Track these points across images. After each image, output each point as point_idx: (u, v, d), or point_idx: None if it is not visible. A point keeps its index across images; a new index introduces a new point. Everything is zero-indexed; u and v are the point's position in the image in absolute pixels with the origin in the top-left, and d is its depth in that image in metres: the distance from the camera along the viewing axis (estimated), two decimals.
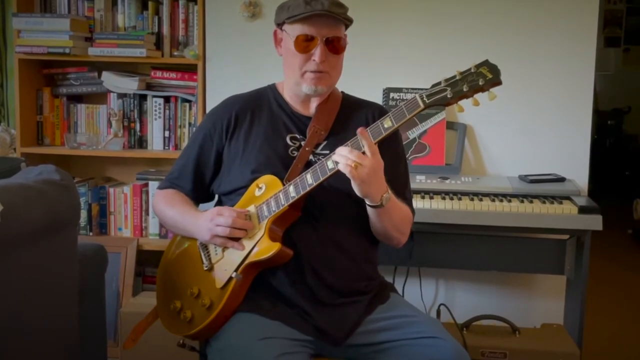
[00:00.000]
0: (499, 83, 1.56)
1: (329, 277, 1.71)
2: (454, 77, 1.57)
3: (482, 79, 1.55)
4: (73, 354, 1.85)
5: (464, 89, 1.56)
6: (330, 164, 1.62)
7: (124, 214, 3.11)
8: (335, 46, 1.74)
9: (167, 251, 1.94)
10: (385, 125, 1.60)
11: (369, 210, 1.69)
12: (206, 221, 1.73)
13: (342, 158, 1.58)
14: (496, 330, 2.55)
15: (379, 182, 1.62)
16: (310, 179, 1.64)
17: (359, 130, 1.60)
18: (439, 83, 1.59)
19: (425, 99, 1.58)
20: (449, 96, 1.57)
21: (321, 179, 1.63)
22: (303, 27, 1.72)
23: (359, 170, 1.56)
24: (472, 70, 1.56)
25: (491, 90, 1.57)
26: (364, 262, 1.80)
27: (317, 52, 1.72)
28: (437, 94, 1.58)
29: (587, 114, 2.85)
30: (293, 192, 1.66)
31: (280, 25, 1.80)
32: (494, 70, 1.56)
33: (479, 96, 1.59)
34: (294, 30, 1.74)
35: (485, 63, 1.57)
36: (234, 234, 1.70)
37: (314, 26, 1.71)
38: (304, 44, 1.73)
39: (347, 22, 1.76)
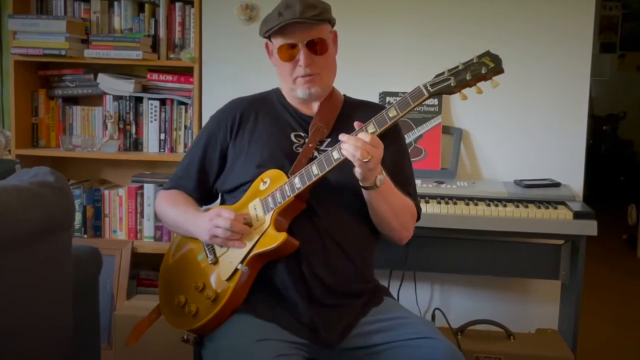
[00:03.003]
0: (501, 71, 1.57)
1: (325, 274, 1.72)
2: (457, 67, 1.60)
3: (484, 67, 1.57)
4: (67, 357, 1.84)
5: (467, 78, 1.58)
6: (335, 154, 1.63)
7: (119, 216, 3.10)
8: (319, 47, 1.77)
9: (169, 248, 1.95)
10: (390, 115, 1.62)
11: (365, 195, 1.71)
12: (205, 221, 1.73)
13: (352, 147, 1.58)
14: (491, 335, 2.55)
15: (379, 166, 1.64)
16: (316, 170, 1.66)
17: (356, 123, 1.64)
18: (443, 73, 1.61)
19: (429, 88, 1.60)
20: (452, 85, 1.59)
21: (327, 169, 1.65)
22: (282, 37, 1.77)
23: (369, 164, 1.58)
24: (474, 60, 1.59)
25: (494, 78, 1.59)
26: (361, 262, 1.80)
27: (301, 58, 1.76)
28: (441, 83, 1.60)
29: (583, 119, 2.86)
30: (299, 183, 1.67)
31: (267, 37, 1.84)
32: (496, 59, 1.58)
33: (482, 85, 1.60)
34: (276, 42, 1.79)
35: (487, 53, 1.59)
36: (232, 237, 1.70)
37: (292, 34, 1.75)
38: (288, 52, 1.77)
39: (323, 22, 1.78)
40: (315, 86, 1.80)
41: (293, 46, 1.76)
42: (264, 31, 1.80)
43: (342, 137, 1.61)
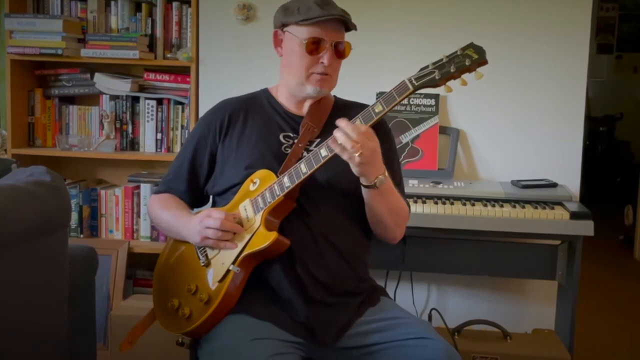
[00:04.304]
0: (485, 62, 1.58)
1: (320, 273, 1.72)
2: (441, 60, 1.60)
3: (468, 59, 1.58)
4: (63, 356, 1.84)
5: (452, 70, 1.58)
6: (323, 152, 1.63)
7: (115, 216, 3.10)
8: (341, 51, 1.78)
9: (162, 252, 1.94)
10: (376, 110, 1.62)
11: (364, 191, 1.70)
12: (196, 224, 1.73)
13: (344, 137, 1.57)
14: (487, 336, 2.55)
15: (377, 164, 1.63)
16: (304, 168, 1.66)
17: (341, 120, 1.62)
18: (427, 66, 1.62)
19: (414, 81, 1.61)
20: (437, 77, 1.59)
21: (315, 167, 1.64)
22: (315, 29, 1.75)
23: (360, 157, 1.57)
24: (458, 53, 1.60)
25: (478, 70, 1.59)
26: (355, 261, 1.80)
27: (326, 56, 1.75)
28: (426, 76, 1.61)
29: (580, 120, 2.86)
30: (288, 182, 1.67)
31: (282, 26, 1.81)
32: (479, 50, 1.59)
33: (466, 77, 1.61)
34: (303, 33, 1.76)
35: (471, 45, 1.60)
36: (223, 237, 1.70)
37: (326, 30, 1.75)
38: (313, 47, 1.75)
39: (354, 29, 1.80)
40: (326, 86, 1.80)
41: (320, 41, 1.75)
42: (294, 19, 1.76)
43: (340, 122, 1.59)
